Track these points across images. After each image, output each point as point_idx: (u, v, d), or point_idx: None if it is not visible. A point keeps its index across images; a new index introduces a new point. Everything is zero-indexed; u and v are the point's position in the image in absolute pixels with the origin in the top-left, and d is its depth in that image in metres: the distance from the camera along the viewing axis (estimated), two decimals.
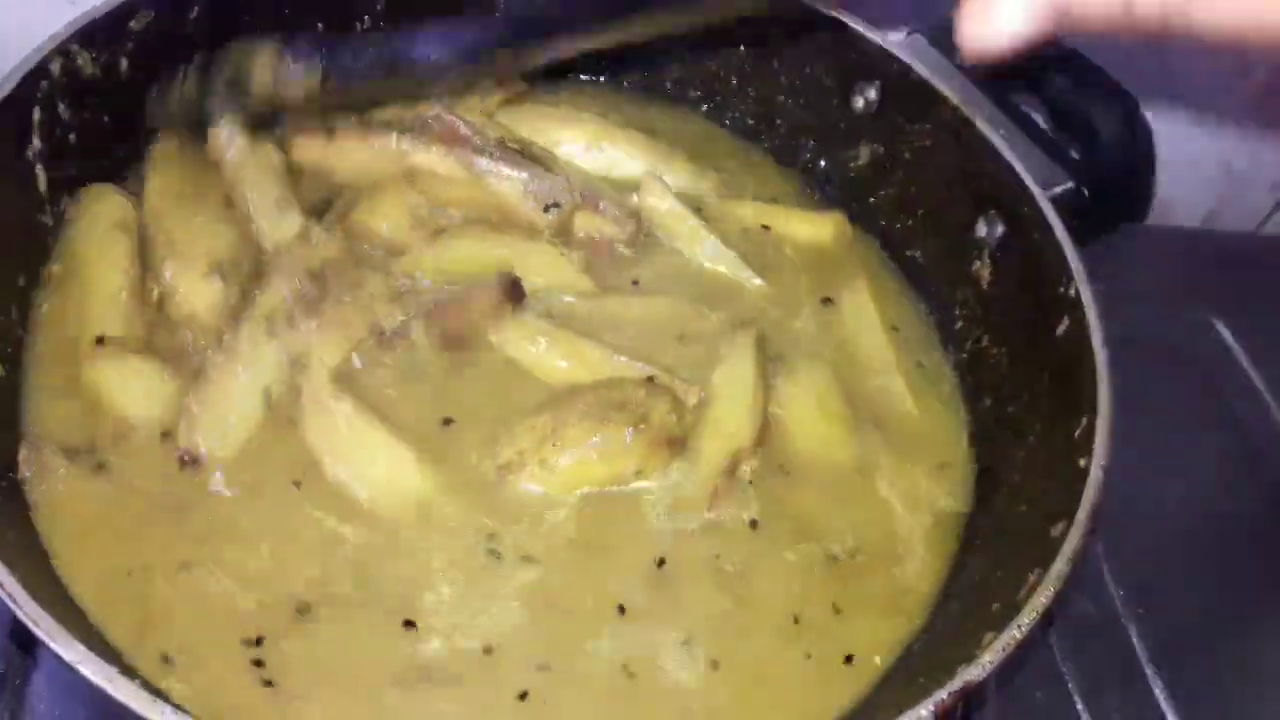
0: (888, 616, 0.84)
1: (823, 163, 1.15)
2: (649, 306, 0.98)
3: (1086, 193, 1.02)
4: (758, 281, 1.02)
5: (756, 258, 1.04)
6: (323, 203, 0.98)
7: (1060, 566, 0.75)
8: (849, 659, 0.81)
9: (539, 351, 0.90)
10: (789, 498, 0.88)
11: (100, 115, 0.92)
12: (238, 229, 0.92)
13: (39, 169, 0.87)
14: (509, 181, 0.99)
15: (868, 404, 0.96)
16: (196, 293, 0.87)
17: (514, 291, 0.91)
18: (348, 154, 0.99)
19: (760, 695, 0.78)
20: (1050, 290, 0.92)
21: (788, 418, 0.92)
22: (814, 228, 1.08)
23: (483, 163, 0.99)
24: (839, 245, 1.08)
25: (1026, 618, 0.72)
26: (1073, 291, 0.90)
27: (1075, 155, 1.06)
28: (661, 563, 0.82)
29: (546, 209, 0.99)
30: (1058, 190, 1.00)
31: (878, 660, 0.81)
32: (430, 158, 0.99)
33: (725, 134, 1.19)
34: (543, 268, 0.96)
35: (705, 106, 1.19)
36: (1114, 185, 1.05)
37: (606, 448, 0.83)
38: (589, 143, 1.07)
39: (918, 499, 0.91)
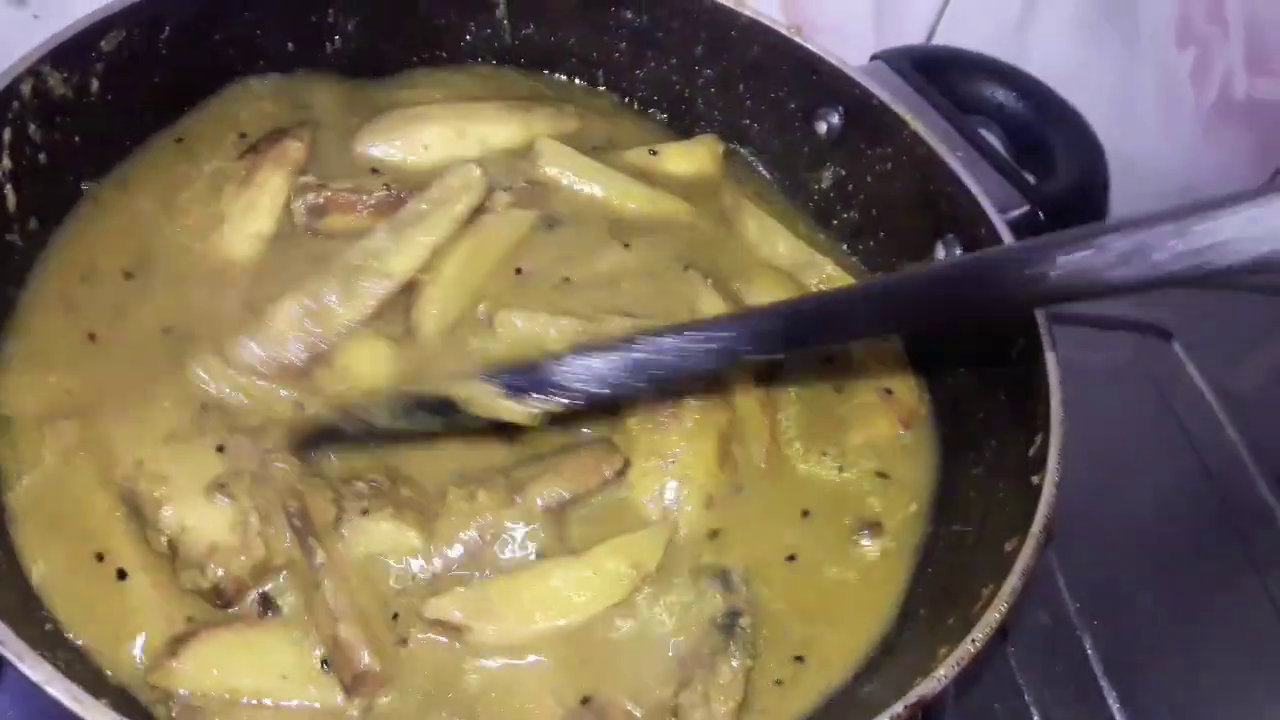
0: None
1: (786, 185, 1.17)
2: (589, 264, 1.01)
3: (1042, 215, 1.05)
4: (680, 203, 1.08)
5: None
6: None
7: (1013, 582, 0.77)
8: None
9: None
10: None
11: (71, 135, 0.92)
12: (217, 424, 0.84)
13: (8, 189, 0.87)
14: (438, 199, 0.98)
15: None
16: (208, 521, 0.79)
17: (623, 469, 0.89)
18: None
19: None
20: None
21: None
22: (692, 157, 1.14)
23: (409, 211, 0.97)
24: (718, 170, 1.14)
25: (981, 632, 0.74)
26: None
27: (1031, 179, 1.09)
28: None
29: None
30: (1014, 214, 1.03)
31: None
32: (385, 244, 0.95)
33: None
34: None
35: (670, 127, 1.21)
36: (1068, 207, 1.07)
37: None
38: (455, 132, 1.07)
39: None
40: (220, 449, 0.82)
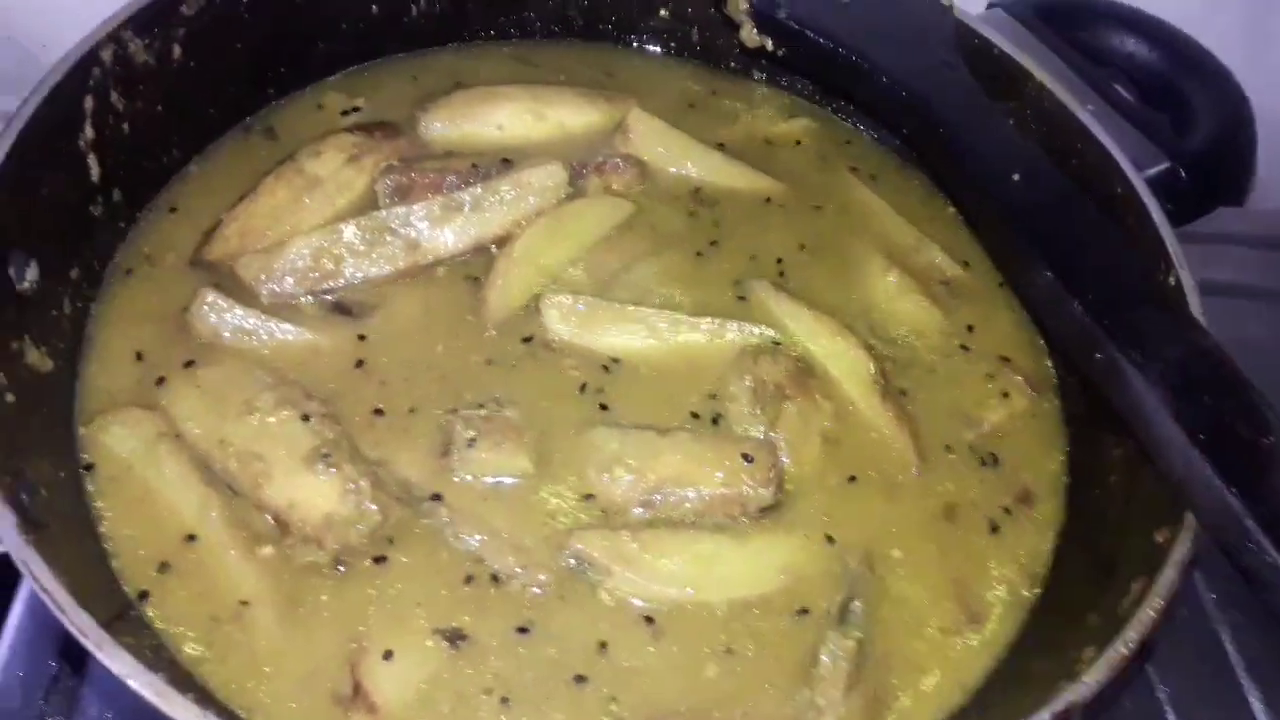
0: None
1: (898, 144, 1.10)
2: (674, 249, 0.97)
3: (1183, 173, 0.96)
4: (775, 183, 1.03)
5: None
6: None
7: (1169, 575, 0.70)
8: None
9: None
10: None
11: (154, 104, 0.90)
12: (294, 399, 0.80)
13: (91, 158, 0.85)
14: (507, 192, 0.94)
15: (924, 276, 0.97)
16: (316, 493, 0.76)
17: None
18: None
19: None
20: (1148, 277, 0.86)
21: (881, 305, 0.95)
22: (789, 129, 1.09)
23: (469, 194, 0.93)
24: (820, 140, 1.09)
25: (1135, 631, 0.67)
26: (1172, 279, 0.84)
27: (1169, 134, 1.00)
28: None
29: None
30: (1152, 171, 0.95)
31: None
32: (425, 220, 0.92)
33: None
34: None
35: (770, 85, 1.15)
36: (1212, 166, 0.99)
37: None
38: (532, 115, 1.02)
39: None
40: (306, 418, 0.79)
